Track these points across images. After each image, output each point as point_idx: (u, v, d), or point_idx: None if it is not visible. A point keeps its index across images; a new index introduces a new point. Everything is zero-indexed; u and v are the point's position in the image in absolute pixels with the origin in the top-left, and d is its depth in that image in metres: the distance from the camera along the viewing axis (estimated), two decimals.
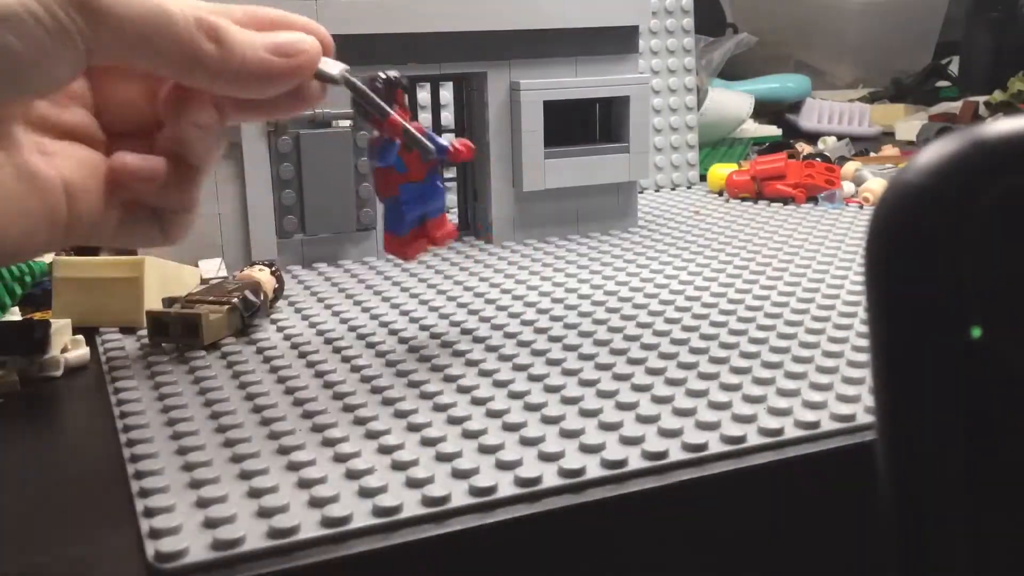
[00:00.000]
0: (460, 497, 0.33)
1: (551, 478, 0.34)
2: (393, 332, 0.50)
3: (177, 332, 0.47)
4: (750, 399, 0.40)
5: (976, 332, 0.23)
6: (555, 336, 0.48)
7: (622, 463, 0.35)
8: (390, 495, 0.33)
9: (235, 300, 0.49)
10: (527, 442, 0.37)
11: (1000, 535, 0.24)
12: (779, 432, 0.37)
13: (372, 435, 0.37)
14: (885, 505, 0.25)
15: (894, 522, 0.25)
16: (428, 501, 0.32)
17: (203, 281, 0.57)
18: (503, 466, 0.35)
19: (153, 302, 0.50)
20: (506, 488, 0.33)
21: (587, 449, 0.36)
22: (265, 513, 0.32)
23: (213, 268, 0.58)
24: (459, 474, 0.34)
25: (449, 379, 0.43)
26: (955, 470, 0.24)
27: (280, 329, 0.51)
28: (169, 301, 0.50)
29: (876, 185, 0.81)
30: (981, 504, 0.24)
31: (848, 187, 0.83)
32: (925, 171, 0.23)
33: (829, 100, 1.26)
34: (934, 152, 0.23)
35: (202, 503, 0.32)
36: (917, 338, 0.23)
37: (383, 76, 0.41)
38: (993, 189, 0.22)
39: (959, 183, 0.22)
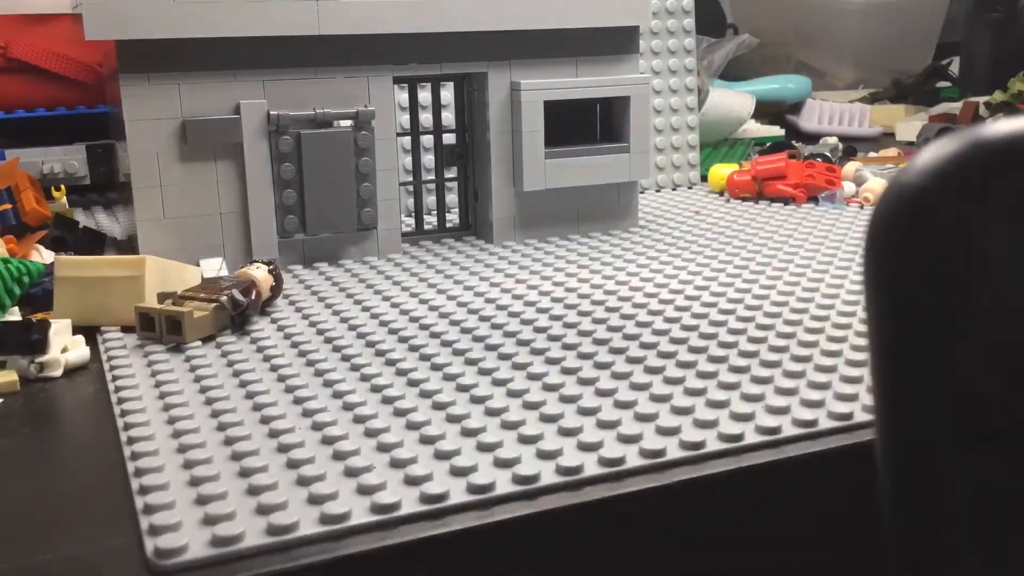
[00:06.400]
0: (458, 494, 0.33)
1: (549, 476, 0.34)
2: (393, 331, 0.50)
3: (162, 328, 0.48)
4: (748, 398, 0.40)
5: (976, 332, 0.23)
6: (554, 335, 0.48)
7: (620, 461, 0.35)
8: (388, 492, 0.33)
9: (223, 299, 0.50)
10: (525, 440, 0.37)
11: (999, 533, 0.24)
12: (777, 430, 0.37)
13: (371, 433, 0.37)
14: (884, 503, 0.25)
15: (893, 521, 0.25)
16: (426, 498, 0.32)
17: (204, 280, 0.57)
18: (501, 464, 0.35)
19: (154, 302, 0.50)
20: (504, 486, 0.33)
21: (585, 447, 0.36)
22: (264, 510, 0.32)
23: (214, 267, 0.58)
24: (457, 471, 0.34)
25: (448, 377, 0.43)
26: (954, 469, 0.24)
27: (280, 328, 0.51)
28: (163, 296, 0.50)
29: (876, 185, 0.81)
30: (981, 503, 0.24)
31: (848, 187, 0.83)
32: (925, 172, 0.23)
33: (829, 101, 1.26)
34: (934, 153, 0.23)
35: (201, 500, 0.33)
36: (916, 338, 0.23)
37: None
38: (993, 189, 0.22)
39: (959, 184, 0.22)
